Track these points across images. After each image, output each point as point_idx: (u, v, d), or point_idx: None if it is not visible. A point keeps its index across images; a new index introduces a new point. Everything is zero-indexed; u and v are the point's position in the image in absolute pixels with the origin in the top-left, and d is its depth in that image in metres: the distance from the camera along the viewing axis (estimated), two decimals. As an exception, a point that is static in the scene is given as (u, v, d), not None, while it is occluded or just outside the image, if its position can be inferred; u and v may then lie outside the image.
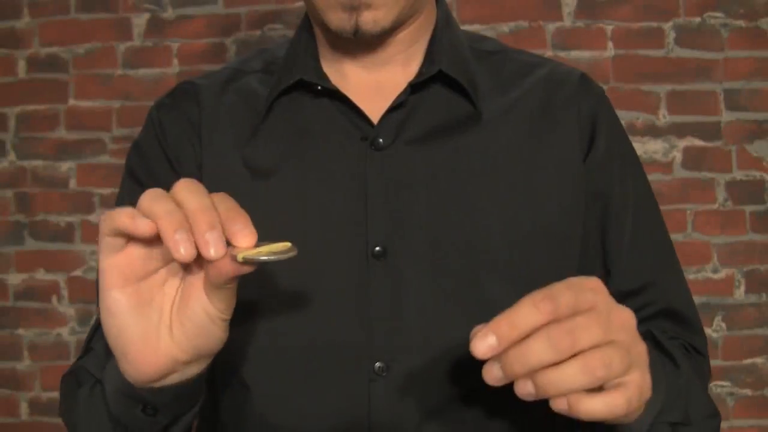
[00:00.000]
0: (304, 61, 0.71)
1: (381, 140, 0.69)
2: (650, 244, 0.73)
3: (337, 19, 0.65)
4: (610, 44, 1.75)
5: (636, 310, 0.67)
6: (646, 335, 0.63)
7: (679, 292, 0.74)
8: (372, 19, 0.64)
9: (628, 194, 0.72)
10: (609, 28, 1.75)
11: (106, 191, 1.85)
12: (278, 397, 0.65)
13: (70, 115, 1.86)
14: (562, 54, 1.76)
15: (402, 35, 0.71)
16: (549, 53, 1.76)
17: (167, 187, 0.69)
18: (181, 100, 0.75)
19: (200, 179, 0.71)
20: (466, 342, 0.59)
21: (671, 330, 0.71)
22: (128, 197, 0.73)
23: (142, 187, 0.71)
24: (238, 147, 0.70)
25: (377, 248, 0.65)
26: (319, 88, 0.70)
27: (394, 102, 0.69)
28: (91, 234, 1.85)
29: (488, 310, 0.60)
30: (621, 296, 0.70)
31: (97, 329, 0.69)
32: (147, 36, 1.84)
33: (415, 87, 0.69)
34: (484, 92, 0.71)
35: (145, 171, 0.73)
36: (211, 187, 0.67)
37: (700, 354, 0.71)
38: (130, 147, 0.76)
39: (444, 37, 0.72)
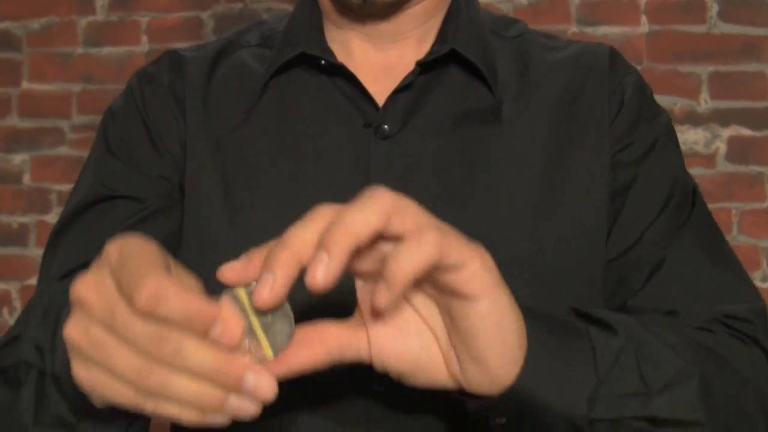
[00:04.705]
0: (306, 34, 0.73)
1: (386, 127, 0.69)
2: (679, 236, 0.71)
3: None
4: (644, 19, 1.75)
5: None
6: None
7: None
8: None
9: (659, 195, 0.72)
10: (643, 0, 1.75)
11: (65, 188, 1.82)
12: (271, 409, 0.64)
13: (23, 100, 1.86)
14: (588, 30, 1.75)
15: (416, 9, 0.72)
16: (573, 29, 1.76)
17: (142, 162, 0.73)
18: (165, 71, 0.76)
19: (184, 158, 0.72)
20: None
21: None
22: (98, 166, 0.74)
23: (115, 157, 0.72)
24: (229, 130, 0.72)
25: None
26: (323, 62, 0.71)
27: (401, 83, 0.69)
28: (47, 237, 1.78)
29: None
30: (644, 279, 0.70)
31: (29, 313, 0.67)
32: (112, 9, 1.84)
33: (425, 67, 0.70)
34: (505, 78, 0.72)
35: (121, 143, 0.74)
36: (197, 175, 0.73)
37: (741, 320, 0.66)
38: (104, 114, 0.76)
39: (462, 15, 0.73)
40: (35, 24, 1.84)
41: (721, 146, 1.72)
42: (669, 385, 0.53)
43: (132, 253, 0.41)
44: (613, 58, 0.74)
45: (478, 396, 0.49)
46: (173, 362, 0.39)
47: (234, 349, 0.40)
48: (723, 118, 1.72)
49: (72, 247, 0.70)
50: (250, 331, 0.42)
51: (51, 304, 0.59)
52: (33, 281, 1.82)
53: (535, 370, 0.49)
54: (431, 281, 0.45)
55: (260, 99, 0.72)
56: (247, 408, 0.41)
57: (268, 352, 0.43)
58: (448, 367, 0.47)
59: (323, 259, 0.39)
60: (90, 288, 0.41)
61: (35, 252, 1.83)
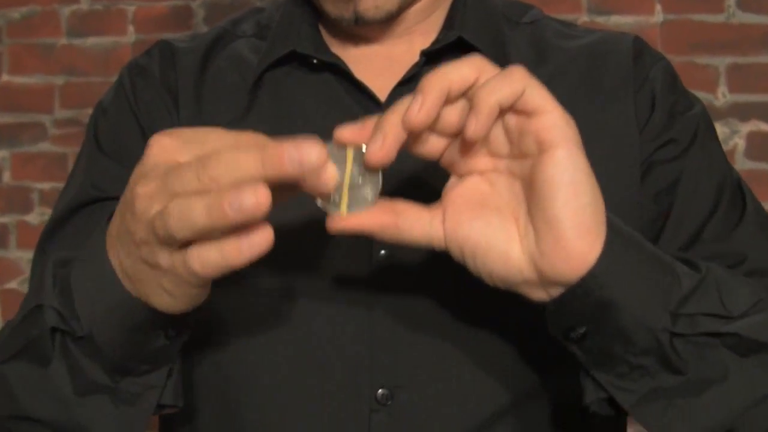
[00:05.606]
0: (299, 29, 0.73)
1: None
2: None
3: (334, 7, 0.68)
4: (659, 7, 1.75)
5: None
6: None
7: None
8: (373, 5, 0.67)
9: (706, 193, 0.71)
10: (657, -12, 1.75)
11: (47, 186, 1.83)
12: (266, 425, 0.67)
13: (2, 93, 1.86)
14: (599, 20, 1.74)
15: (418, 6, 0.72)
16: (584, 19, 1.75)
17: (135, 161, 0.76)
18: (158, 62, 0.76)
19: None
20: (484, 366, 0.65)
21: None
22: (88, 165, 0.75)
23: (107, 156, 0.74)
24: (225, 125, 0.71)
25: (382, 252, 0.67)
26: (315, 61, 0.72)
27: (404, 75, 0.69)
28: (29, 238, 1.83)
29: (515, 331, 0.66)
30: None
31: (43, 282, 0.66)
32: (96, -3, 1.85)
33: (431, 57, 0.69)
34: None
35: (112, 139, 0.74)
36: None
37: None
38: (95, 109, 0.77)
39: (470, 1, 0.74)
40: (15, 13, 1.84)
41: (740, 142, 1.72)
42: (751, 312, 0.55)
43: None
44: (638, 49, 0.73)
45: (555, 283, 0.50)
46: (227, 172, 0.43)
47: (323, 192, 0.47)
48: (742, 112, 1.71)
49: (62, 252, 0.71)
50: (339, 186, 0.49)
51: (57, 272, 0.61)
52: (14, 285, 1.83)
53: (615, 261, 0.50)
54: (514, 134, 0.49)
55: (256, 94, 0.72)
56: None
57: (344, 208, 0.50)
58: (523, 245, 0.49)
59: (418, 98, 0.46)
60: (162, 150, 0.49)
61: (16, 254, 1.83)
